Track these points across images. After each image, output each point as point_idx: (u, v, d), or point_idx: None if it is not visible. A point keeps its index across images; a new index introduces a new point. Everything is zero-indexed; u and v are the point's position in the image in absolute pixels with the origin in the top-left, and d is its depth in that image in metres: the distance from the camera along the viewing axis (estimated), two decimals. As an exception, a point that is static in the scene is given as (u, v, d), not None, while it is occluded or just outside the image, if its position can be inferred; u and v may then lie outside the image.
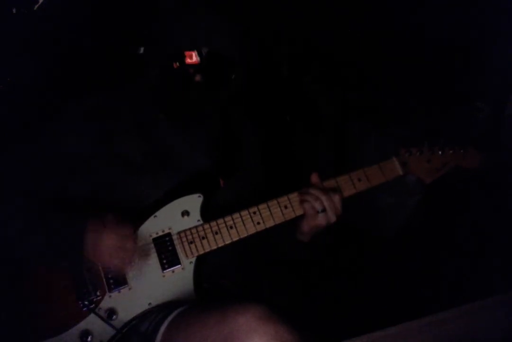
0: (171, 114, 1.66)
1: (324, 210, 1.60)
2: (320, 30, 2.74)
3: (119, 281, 1.54)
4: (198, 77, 1.59)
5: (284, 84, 2.84)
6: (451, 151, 1.71)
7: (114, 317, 1.51)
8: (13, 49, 2.19)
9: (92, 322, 1.49)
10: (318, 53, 2.81)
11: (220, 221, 1.60)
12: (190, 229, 1.60)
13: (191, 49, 1.55)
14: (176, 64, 1.57)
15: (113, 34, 2.35)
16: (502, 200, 2.38)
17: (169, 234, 1.59)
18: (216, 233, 1.59)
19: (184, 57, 1.56)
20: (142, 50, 1.65)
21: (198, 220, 1.61)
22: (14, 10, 2.16)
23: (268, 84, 2.78)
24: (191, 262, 1.58)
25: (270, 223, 1.62)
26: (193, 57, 1.56)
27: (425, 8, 2.53)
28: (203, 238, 1.59)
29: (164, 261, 1.57)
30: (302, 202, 1.63)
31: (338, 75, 2.81)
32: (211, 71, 1.59)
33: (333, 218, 1.61)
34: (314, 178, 1.66)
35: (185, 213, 1.61)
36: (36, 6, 2.19)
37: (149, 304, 1.54)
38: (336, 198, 1.61)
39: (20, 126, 2.01)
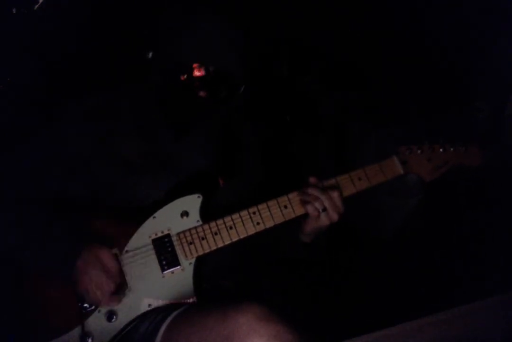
0: (172, 115, 1.66)
1: (325, 209, 1.59)
2: (320, 30, 2.74)
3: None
4: (203, 93, 1.59)
5: (284, 84, 2.84)
6: (452, 149, 1.69)
7: (114, 318, 1.50)
8: (13, 49, 2.19)
9: (92, 323, 1.49)
10: (318, 53, 2.81)
11: (220, 221, 1.59)
12: (189, 229, 1.59)
13: (198, 63, 1.56)
14: (183, 76, 1.58)
15: (115, 35, 2.35)
16: (502, 200, 2.38)
17: (168, 235, 1.58)
18: (216, 234, 1.59)
19: (192, 69, 1.56)
20: (150, 55, 1.65)
21: (198, 221, 1.61)
22: (14, 10, 2.16)
23: (268, 84, 2.78)
24: (190, 263, 1.58)
25: (269, 223, 1.61)
26: (201, 70, 1.56)
27: (425, 8, 2.53)
28: (202, 238, 1.58)
29: (164, 262, 1.56)
30: (303, 203, 1.62)
31: (338, 75, 2.81)
32: (216, 86, 1.59)
33: (335, 217, 1.60)
34: (312, 179, 1.65)
35: (185, 214, 1.60)
36: (36, 6, 2.19)
37: (149, 305, 1.53)
38: (335, 196, 1.59)
39: (20, 126, 2.01)
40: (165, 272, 1.56)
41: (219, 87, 1.60)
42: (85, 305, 1.50)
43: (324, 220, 1.60)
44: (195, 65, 1.56)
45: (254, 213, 1.60)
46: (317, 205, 1.58)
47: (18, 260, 1.51)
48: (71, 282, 1.47)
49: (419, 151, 1.70)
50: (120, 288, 1.51)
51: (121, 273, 1.52)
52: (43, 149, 1.59)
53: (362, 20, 2.66)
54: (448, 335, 1.65)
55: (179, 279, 1.56)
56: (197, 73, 1.56)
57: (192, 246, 1.58)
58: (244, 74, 1.64)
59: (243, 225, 1.59)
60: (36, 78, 2.26)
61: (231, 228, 1.59)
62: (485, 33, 2.42)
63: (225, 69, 1.58)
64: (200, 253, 1.58)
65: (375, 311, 2.14)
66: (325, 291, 2.27)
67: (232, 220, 1.59)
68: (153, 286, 1.54)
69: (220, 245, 1.58)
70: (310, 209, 1.59)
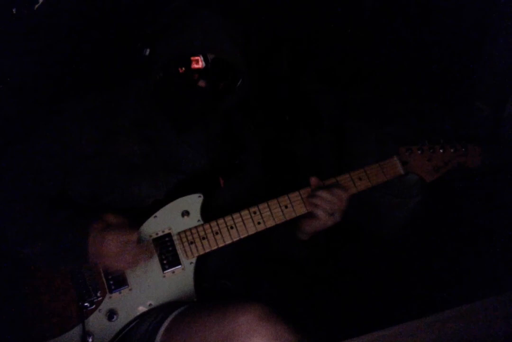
0: (172, 113, 1.66)
1: (334, 213, 1.59)
2: (320, 30, 2.75)
3: (119, 282, 1.54)
4: (202, 83, 1.59)
5: (284, 84, 2.84)
6: (452, 150, 1.70)
7: (115, 317, 1.50)
8: (13, 49, 2.18)
9: (93, 323, 1.49)
10: (318, 53, 2.81)
11: (221, 221, 1.60)
12: (190, 229, 1.59)
13: (197, 55, 1.56)
14: (181, 69, 1.57)
15: (114, 34, 2.35)
16: (502, 200, 2.38)
17: (169, 234, 1.59)
18: (217, 233, 1.59)
19: (190, 62, 1.56)
20: (147, 52, 1.65)
21: (198, 220, 1.61)
22: (14, 10, 2.16)
23: (268, 84, 2.78)
24: (191, 263, 1.58)
25: (270, 223, 1.61)
26: (199, 62, 1.56)
27: (425, 8, 2.53)
28: (203, 238, 1.59)
29: (165, 262, 1.56)
30: (313, 206, 1.60)
31: (338, 75, 2.81)
32: (215, 77, 1.59)
33: (339, 218, 1.61)
34: (314, 180, 1.65)
35: (185, 213, 1.61)
36: (36, 6, 2.19)
37: (150, 304, 1.54)
38: (344, 198, 1.59)
39: (21, 126, 2.01)
40: (165, 271, 1.56)
41: (218, 78, 1.60)
42: (86, 304, 1.50)
43: (329, 222, 1.60)
44: (193, 58, 1.56)
45: (255, 212, 1.61)
46: (328, 208, 1.57)
47: (23, 258, 1.51)
48: (90, 264, 1.47)
49: (419, 151, 1.70)
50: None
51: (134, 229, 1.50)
52: (44, 149, 1.59)
53: (362, 20, 2.67)
54: (448, 335, 1.65)
55: (180, 278, 1.57)
56: (195, 65, 1.56)
57: (193, 246, 1.58)
58: (243, 66, 1.64)
59: (243, 225, 1.60)
60: (36, 77, 2.25)
61: (232, 227, 1.59)
62: (485, 33, 2.42)
63: (224, 58, 1.58)
64: (201, 252, 1.58)
65: (375, 311, 2.14)
66: (325, 291, 2.27)
67: (233, 219, 1.60)
68: (153, 285, 1.55)
69: (221, 244, 1.59)
70: (319, 212, 1.58)
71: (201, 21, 1.59)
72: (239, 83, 1.67)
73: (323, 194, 1.58)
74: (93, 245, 1.45)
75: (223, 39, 1.59)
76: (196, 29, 1.58)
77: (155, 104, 1.68)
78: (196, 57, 1.56)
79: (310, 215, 1.62)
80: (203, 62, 1.56)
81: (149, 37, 1.67)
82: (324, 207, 1.57)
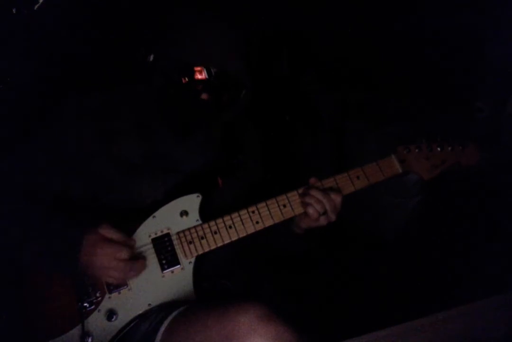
0: (172, 116, 1.66)
1: (325, 212, 1.60)
2: (319, 30, 2.75)
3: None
4: (205, 96, 1.58)
5: (284, 84, 2.84)
6: (449, 148, 1.70)
7: (114, 317, 1.50)
8: (13, 49, 2.18)
9: (92, 323, 1.49)
10: (318, 53, 2.81)
11: (219, 220, 1.59)
12: (189, 229, 1.59)
13: (200, 66, 1.55)
14: (185, 79, 1.57)
15: (116, 35, 2.35)
16: (502, 200, 2.38)
17: (168, 234, 1.59)
18: (215, 233, 1.59)
19: (193, 72, 1.55)
20: (151, 58, 1.64)
21: (197, 220, 1.61)
22: (14, 10, 2.16)
23: (268, 84, 2.78)
24: (190, 262, 1.58)
25: (269, 222, 1.61)
26: (203, 73, 1.55)
27: (425, 8, 2.53)
28: (202, 238, 1.59)
29: (164, 262, 1.56)
30: (304, 205, 1.62)
31: (337, 75, 2.81)
32: (218, 90, 1.59)
33: (333, 218, 1.61)
34: (313, 180, 1.65)
35: (184, 213, 1.61)
36: (36, 6, 2.19)
37: (149, 304, 1.53)
38: (338, 200, 1.61)
39: (20, 126, 2.01)
40: (165, 271, 1.56)
41: (221, 90, 1.60)
42: (85, 304, 1.49)
43: (322, 221, 1.61)
44: (196, 68, 1.55)
45: (253, 212, 1.61)
46: (318, 207, 1.59)
47: (19, 259, 1.51)
48: (81, 274, 1.46)
49: (417, 150, 1.70)
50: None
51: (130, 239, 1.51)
52: (43, 150, 1.59)
53: (362, 19, 2.66)
54: (448, 335, 1.64)
55: (179, 278, 1.56)
56: (198, 76, 1.55)
57: (191, 245, 1.58)
58: (246, 77, 1.63)
59: (242, 224, 1.60)
60: (36, 78, 2.26)
61: (230, 227, 1.59)
62: (485, 33, 2.42)
63: (227, 71, 1.58)
64: (200, 252, 1.58)
65: (375, 311, 2.14)
66: (325, 291, 2.27)
67: (232, 219, 1.59)
68: (153, 285, 1.55)
69: (220, 244, 1.59)
70: (310, 211, 1.59)
71: (205, 31, 1.58)
72: (242, 95, 1.66)
73: (316, 193, 1.60)
74: (84, 256, 1.44)
75: (226, 51, 1.59)
76: (200, 40, 1.57)
77: (154, 108, 1.67)
78: (199, 68, 1.55)
79: (305, 212, 1.62)
80: (206, 74, 1.55)
81: (154, 43, 1.66)
82: (314, 206, 1.59)
